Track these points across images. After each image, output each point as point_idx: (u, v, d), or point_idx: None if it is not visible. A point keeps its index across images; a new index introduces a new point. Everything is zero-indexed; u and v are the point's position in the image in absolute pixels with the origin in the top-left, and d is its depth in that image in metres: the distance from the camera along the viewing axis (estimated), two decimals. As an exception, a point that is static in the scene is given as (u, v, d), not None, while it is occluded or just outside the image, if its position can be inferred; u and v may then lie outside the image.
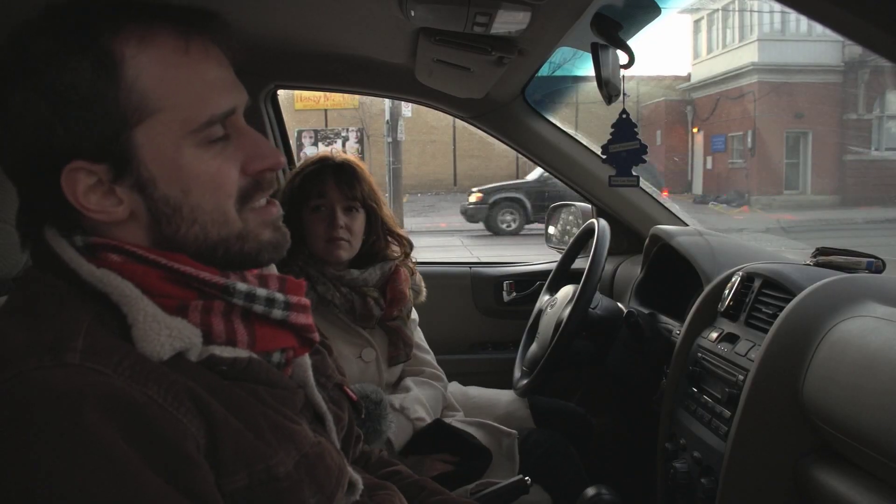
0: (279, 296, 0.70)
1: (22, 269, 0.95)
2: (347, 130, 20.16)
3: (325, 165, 1.49)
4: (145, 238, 0.66)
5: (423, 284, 1.62)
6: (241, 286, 0.67)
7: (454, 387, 1.79)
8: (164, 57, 0.63)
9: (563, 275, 1.90)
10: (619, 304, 1.72)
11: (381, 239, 1.55)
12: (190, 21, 0.65)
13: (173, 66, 0.63)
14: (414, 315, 1.64)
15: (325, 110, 19.79)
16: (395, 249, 1.57)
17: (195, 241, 0.66)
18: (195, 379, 0.60)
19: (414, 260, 1.63)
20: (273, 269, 0.79)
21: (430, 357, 1.68)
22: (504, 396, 1.76)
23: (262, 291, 0.68)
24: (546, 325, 1.70)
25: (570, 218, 2.34)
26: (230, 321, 0.66)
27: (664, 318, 1.66)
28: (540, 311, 1.84)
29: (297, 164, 1.59)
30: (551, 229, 2.46)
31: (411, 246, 1.60)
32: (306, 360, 0.78)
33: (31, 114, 0.60)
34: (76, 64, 0.60)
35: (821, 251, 1.29)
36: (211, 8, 0.68)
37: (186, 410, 0.58)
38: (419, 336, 1.67)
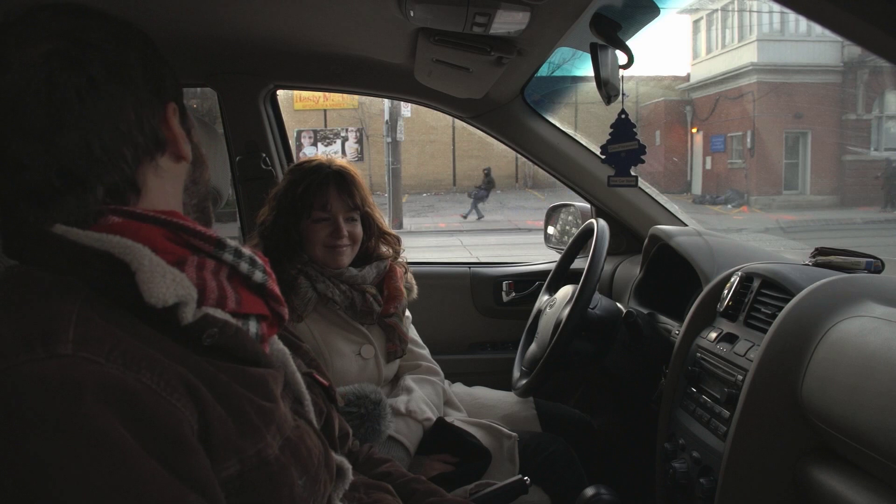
0: (258, 260, 0.73)
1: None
2: (347, 130, 20.16)
3: (326, 175, 1.49)
4: (185, 182, 0.76)
5: (414, 282, 1.65)
6: (231, 241, 0.70)
7: (459, 388, 1.80)
8: None
9: (563, 275, 1.90)
10: (619, 304, 1.71)
11: (375, 239, 1.58)
12: None
13: None
14: (406, 312, 1.65)
15: (325, 110, 19.79)
16: (387, 249, 1.61)
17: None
18: (185, 364, 0.60)
19: (413, 259, 1.64)
20: None
21: (426, 352, 1.70)
22: (509, 397, 1.76)
23: (245, 250, 0.72)
24: (545, 325, 1.70)
25: (570, 218, 2.34)
26: (219, 280, 0.68)
27: (663, 318, 1.66)
28: (539, 311, 1.84)
29: (292, 166, 1.58)
30: (550, 229, 2.46)
31: (400, 243, 1.64)
32: (284, 347, 0.81)
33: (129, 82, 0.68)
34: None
35: (820, 251, 1.29)
36: (212, 7, 0.69)
37: (180, 396, 0.58)
38: (413, 332, 1.69)
